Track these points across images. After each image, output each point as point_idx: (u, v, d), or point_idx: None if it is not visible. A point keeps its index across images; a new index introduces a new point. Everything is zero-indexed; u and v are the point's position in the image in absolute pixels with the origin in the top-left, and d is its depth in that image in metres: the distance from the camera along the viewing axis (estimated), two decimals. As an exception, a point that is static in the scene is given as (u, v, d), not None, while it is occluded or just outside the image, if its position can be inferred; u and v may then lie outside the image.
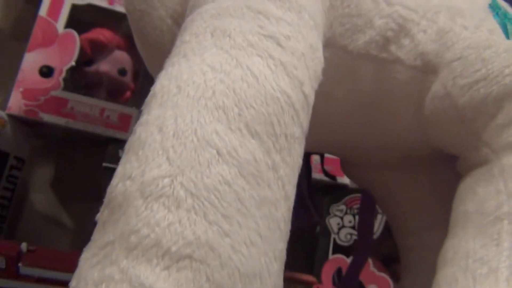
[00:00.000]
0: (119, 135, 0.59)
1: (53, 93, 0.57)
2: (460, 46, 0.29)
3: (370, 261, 0.59)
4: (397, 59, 0.29)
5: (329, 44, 0.28)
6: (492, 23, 0.30)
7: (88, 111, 0.58)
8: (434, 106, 0.30)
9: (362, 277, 0.59)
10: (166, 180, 0.19)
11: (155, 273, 0.18)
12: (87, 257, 0.19)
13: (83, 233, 0.66)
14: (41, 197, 0.66)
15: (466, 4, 0.31)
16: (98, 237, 0.20)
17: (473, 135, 0.30)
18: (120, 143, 0.58)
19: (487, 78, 0.28)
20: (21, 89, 0.56)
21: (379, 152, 0.37)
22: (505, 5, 0.33)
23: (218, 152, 0.20)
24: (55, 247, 0.60)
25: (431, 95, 0.30)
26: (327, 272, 0.59)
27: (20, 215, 0.64)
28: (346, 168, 0.42)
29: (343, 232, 0.61)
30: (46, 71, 0.57)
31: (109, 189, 0.20)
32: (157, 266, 0.18)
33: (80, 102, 0.58)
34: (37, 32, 0.57)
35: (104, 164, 0.57)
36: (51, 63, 0.57)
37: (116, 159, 0.24)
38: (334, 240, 0.60)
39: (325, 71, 0.26)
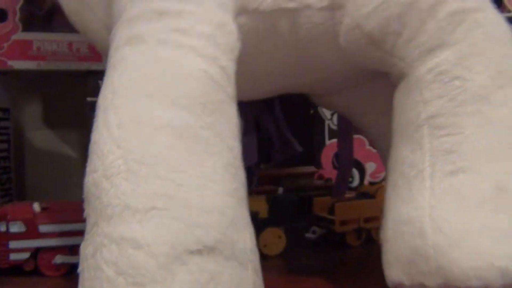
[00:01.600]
0: (95, 66, 0.57)
1: (14, 37, 0.54)
2: None
3: (365, 140, 0.61)
4: (306, 5, 0.32)
5: (243, 11, 0.31)
6: None
7: (56, 48, 0.56)
8: (349, 37, 0.32)
9: (360, 156, 0.62)
10: (120, 161, 0.24)
11: (132, 228, 0.23)
12: (83, 247, 0.25)
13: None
14: (37, 135, 0.67)
15: None
16: (87, 228, 0.25)
17: (387, 53, 0.32)
18: (98, 74, 0.56)
19: (386, 1, 0.30)
20: (-20, 41, 0.53)
21: (328, 83, 0.40)
22: None
23: (155, 128, 0.25)
24: (65, 188, 0.63)
25: (343, 29, 0.32)
26: (326, 157, 0.62)
27: (22, 166, 0.66)
28: (313, 99, 0.45)
29: (336, 117, 0.62)
30: (0, 15, 0.54)
31: (84, 188, 0.26)
32: (132, 223, 0.23)
33: (45, 40, 0.55)
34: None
35: (88, 99, 0.57)
36: (2, 6, 0.54)
37: (98, 91, 0.28)
38: (329, 126, 0.62)
39: (247, 35, 0.31)
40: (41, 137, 0.67)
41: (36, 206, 0.45)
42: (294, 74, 0.37)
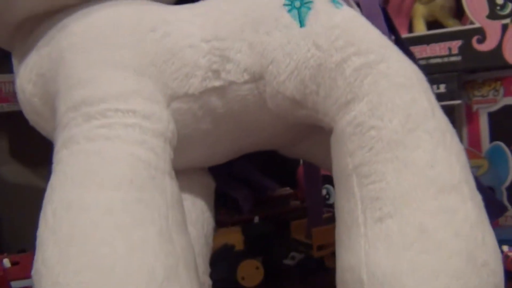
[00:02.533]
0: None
1: (-26, 81, 0.53)
2: (268, 51, 0.34)
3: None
4: (231, 82, 0.35)
5: (174, 98, 0.35)
6: (287, 18, 0.34)
7: (18, 89, 0.55)
8: (274, 102, 0.35)
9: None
10: (54, 246, 0.28)
11: None
12: None
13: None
14: (9, 169, 0.66)
15: (262, 11, 0.35)
16: None
17: (312, 111, 0.35)
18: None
19: (297, 67, 0.33)
20: None
21: (279, 139, 0.42)
22: None
23: (84, 210, 0.28)
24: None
25: (268, 95, 0.35)
26: (302, 176, 0.62)
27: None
28: (280, 151, 0.48)
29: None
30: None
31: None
32: None
33: (6, 81, 0.54)
34: None
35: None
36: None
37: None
38: (302, 145, 0.61)
39: (185, 116, 0.35)
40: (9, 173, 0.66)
41: (6, 262, 0.44)
42: (241, 137, 0.40)
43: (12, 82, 0.54)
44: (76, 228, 0.28)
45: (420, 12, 0.60)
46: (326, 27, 0.34)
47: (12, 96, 0.54)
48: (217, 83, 0.35)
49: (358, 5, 0.41)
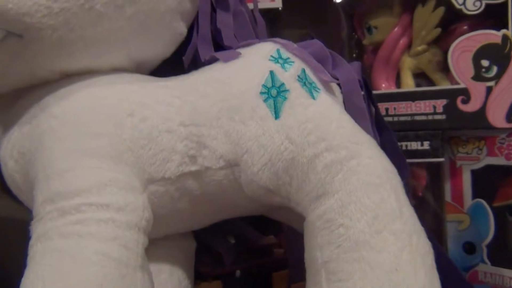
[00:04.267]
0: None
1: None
2: (244, 141, 0.35)
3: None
4: (207, 167, 0.36)
5: (151, 181, 0.35)
6: (263, 109, 0.35)
7: None
8: (249, 189, 0.36)
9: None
10: None
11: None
12: None
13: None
14: None
15: (239, 98, 0.36)
16: None
17: (285, 199, 0.36)
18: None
19: (271, 159, 0.34)
20: None
21: (255, 211, 0.44)
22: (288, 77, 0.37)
23: None
24: None
25: (243, 182, 0.36)
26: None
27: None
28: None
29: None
30: None
31: None
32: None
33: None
34: None
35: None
36: None
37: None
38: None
39: (162, 198, 0.36)
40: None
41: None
42: (219, 213, 0.41)
43: None
44: None
45: (407, 64, 0.60)
46: (299, 121, 0.35)
47: None
48: (193, 168, 0.36)
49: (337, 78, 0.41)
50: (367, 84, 0.44)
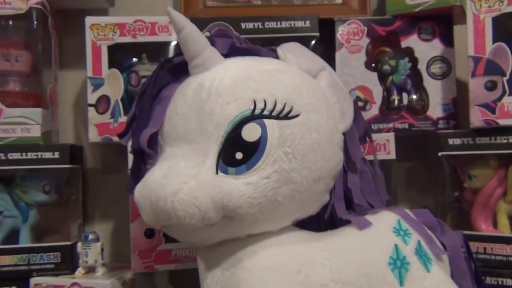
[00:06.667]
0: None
1: (159, 248, 0.75)
2: None
3: None
4: None
5: None
6: (390, 278, 0.50)
7: (188, 253, 0.75)
8: None
9: None
10: None
11: None
12: None
13: None
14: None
15: (373, 268, 0.50)
16: None
17: None
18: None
19: None
20: (136, 252, 0.74)
21: None
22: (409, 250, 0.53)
23: None
24: None
25: None
26: None
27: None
28: None
29: None
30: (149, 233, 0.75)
31: None
32: None
33: (182, 248, 0.75)
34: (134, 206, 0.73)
35: None
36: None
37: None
38: None
39: None
40: None
41: None
42: None
43: (184, 249, 0.75)
44: None
45: (503, 208, 0.73)
46: None
47: (182, 259, 0.75)
48: None
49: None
50: (469, 249, 0.57)
